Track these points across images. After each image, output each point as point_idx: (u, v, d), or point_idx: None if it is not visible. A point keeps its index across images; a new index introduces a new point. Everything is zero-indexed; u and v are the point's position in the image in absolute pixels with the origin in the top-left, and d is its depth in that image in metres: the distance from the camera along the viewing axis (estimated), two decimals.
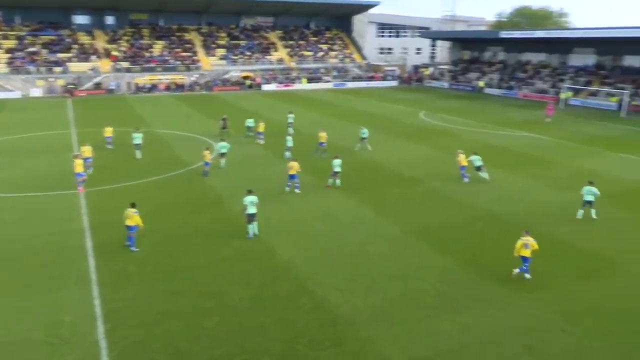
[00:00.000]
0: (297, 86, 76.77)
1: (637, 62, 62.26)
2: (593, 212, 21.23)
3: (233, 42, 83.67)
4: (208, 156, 27.22)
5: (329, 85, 78.72)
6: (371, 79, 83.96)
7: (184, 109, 53.97)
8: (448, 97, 67.07)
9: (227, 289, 15.11)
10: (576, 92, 61.13)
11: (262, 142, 35.27)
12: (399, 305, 14.24)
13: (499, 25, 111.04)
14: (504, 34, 74.41)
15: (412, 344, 12.49)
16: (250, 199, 18.73)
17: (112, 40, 75.99)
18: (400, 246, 18.40)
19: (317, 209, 22.25)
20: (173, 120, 45.83)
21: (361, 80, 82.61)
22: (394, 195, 24.44)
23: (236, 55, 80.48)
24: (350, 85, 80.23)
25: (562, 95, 59.26)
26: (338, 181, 25.22)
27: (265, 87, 74.65)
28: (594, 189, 21.03)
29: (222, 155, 28.87)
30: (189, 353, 12.17)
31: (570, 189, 25.25)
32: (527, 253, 15.66)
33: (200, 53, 79.25)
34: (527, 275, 15.80)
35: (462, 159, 26.77)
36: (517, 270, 15.85)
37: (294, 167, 24.20)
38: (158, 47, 77.39)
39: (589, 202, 21.13)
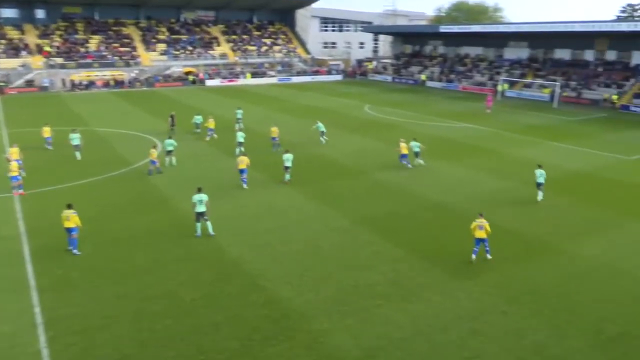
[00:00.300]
0: (241, 81, 75.89)
1: (567, 54, 65.63)
2: (541, 192, 22.70)
3: (174, 36, 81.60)
4: (154, 154, 26.52)
5: (274, 80, 78.30)
6: (316, 73, 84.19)
7: (124, 106, 52.18)
8: (391, 91, 68.28)
9: (177, 290, 14.82)
10: (512, 84, 63.78)
11: (211, 137, 34.90)
12: (350, 297, 14.45)
13: (438, 19, 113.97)
14: (443, 29, 76.46)
15: (364, 335, 12.71)
16: (199, 197, 18.44)
17: (44, 35, 72.30)
18: (349, 238, 18.64)
19: (266, 205, 22.17)
20: (113, 118, 44.23)
21: (306, 75, 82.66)
22: (342, 187, 24.70)
23: (177, 50, 78.57)
24: (295, 79, 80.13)
25: (499, 88, 61.66)
26: (287, 176, 25.26)
27: (209, 83, 73.32)
28: (543, 171, 22.61)
29: (169, 152, 28.25)
30: (137, 358, 11.87)
31: (509, 177, 26.41)
32: (482, 234, 16.51)
33: (140, 48, 76.82)
34: (489, 256, 16.77)
35: (403, 147, 28.05)
36: (474, 255, 16.67)
37: (244, 161, 24.24)
38: (94, 42, 74.35)
39: (540, 184, 22.60)
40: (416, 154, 28.43)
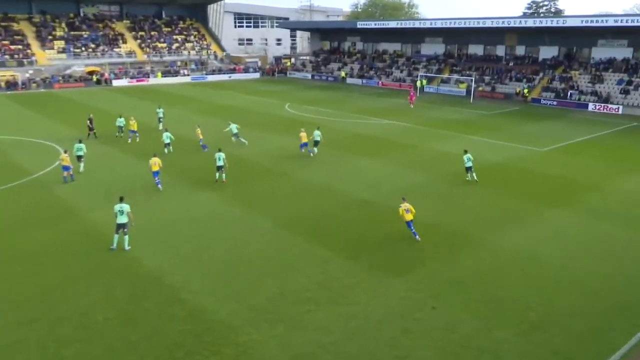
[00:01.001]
0: (152, 81, 73.45)
1: (480, 50, 69.33)
2: (474, 175, 25.44)
3: (73, 33, 77.42)
4: (67, 160, 25.12)
5: (187, 79, 76.55)
6: (232, 71, 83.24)
7: (19, 110, 48.79)
8: (312, 88, 68.87)
9: (89, 309, 13.99)
10: (429, 79, 66.41)
11: (133, 139, 34.22)
12: (278, 304, 14.35)
13: (355, 15, 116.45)
14: (361, 25, 78.23)
15: (294, 342, 12.67)
16: (120, 206, 17.60)
17: None
18: (274, 241, 18.54)
19: (183, 210, 21.56)
20: (7, 123, 41.25)
21: (222, 73, 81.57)
22: (263, 189, 24.54)
23: (78, 48, 74.63)
24: (211, 78, 78.83)
25: (418, 83, 63.91)
26: (222, 175, 25.29)
27: (116, 83, 70.31)
28: (470, 156, 25.39)
29: (79, 158, 27.04)
30: None
31: (429, 171, 27.48)
32: (410, 217, 18.11)
33: (34, 45, 72.15)
34: (418, 238, 18.29)
35: (303, 136, 30.78)
36: (418, 238, 18.32)
37: (157, 162, 23.98)
38: None
39: (470, 168, 25.31)
40: (316, 143, 30.70)
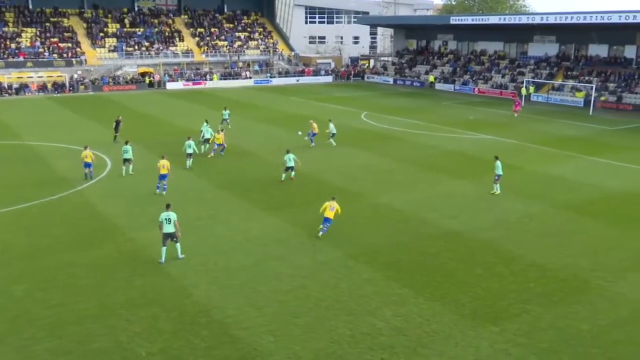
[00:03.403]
0: (209, 84, 76.20)
1: (603, 51, 66.72)
2: (498, 187, 27.22)
3: (126, 30, 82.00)
4: (90, 156, 28.50)
5: (249, 82, 78.79)
6: (301, 74, 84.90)
7: (66, 114, 52.16)
8: (394, 95, 68.97)
9: (130, 343, 14.56)
10: (538, 86, 64.63)
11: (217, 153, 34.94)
12: (346, 349, 14.30)
13: (449, 9, 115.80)
14: (455, 20, 77.62)
15: None
16: (167, 215, 19.02)
17: None
18: (345, 275, 18.54)
19: (238, 233, 22.10)
20: (52, 129, 44.10)
21: (289, 76, 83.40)
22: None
23: (131, 47, 78.84)
24: (276, 81, 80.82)
25: (523, 91, 62.36)
26: (293, 173, 28.78)
27: (171, 86, 73.54)
28: (499, 163, 27.19)
29: (126, 161, 29.85)
30: None
31: (536, 199, 26.59)
32: (331, 215, 20.97)
33: (84, 43, 76.98)
34: (321, 234, 21.26)
35: (316, 127, 37.22)
36: (321, 233, 21.30)
37: (167, 165, 26.54)
38: (27, 36, 74.46)
39: (499, 176, 27.11)
40: (332, 135, 37.64)
